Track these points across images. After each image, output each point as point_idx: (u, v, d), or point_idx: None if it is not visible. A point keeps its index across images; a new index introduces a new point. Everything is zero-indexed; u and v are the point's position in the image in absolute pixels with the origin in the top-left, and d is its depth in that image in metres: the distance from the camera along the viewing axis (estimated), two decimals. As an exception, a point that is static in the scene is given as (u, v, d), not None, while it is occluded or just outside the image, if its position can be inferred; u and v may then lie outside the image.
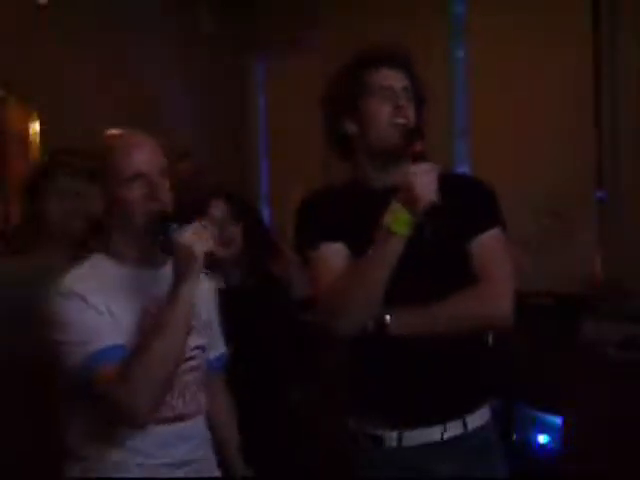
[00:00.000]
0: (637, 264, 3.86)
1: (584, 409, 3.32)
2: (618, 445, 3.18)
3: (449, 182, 1.99)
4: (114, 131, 2.04)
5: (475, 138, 4.65)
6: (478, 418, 2.08)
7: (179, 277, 1.84)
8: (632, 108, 3.94)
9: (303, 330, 2.91)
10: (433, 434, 2.04)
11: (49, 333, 1.88)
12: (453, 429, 2.05)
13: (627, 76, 3.95)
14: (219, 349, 2.22)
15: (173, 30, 5.48)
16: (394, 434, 2.05)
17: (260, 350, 2.48)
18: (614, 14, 3.98)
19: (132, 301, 1.92)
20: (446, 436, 2.04)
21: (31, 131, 4.91)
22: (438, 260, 2.02)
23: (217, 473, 2.13)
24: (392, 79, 2.07)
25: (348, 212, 2.04)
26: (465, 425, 2.06)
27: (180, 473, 1.97)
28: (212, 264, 1.86)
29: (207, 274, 2.03)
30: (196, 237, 1.83)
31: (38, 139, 4.90)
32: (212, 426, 2.15)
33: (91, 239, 2.47)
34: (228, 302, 2.26)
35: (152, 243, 1.91)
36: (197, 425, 2.03)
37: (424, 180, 1.88)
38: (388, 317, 1.97)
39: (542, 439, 3.73)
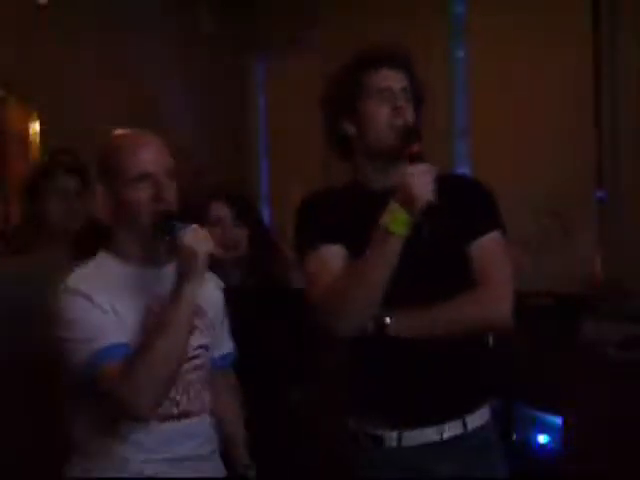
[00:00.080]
0: (637, 264, 3.86)
1: (584, 409, 3.32)
2: (618, 445, 3.18)
3: (447, 183, 2.00)
4: (120, 131, 2.05)
5: (475, 138, 4.64)
6: (478, 418, 2.08)
7: (182, 277, 1.86)
8: (632, 108, 3.93)
9: (303, 330, 2.91)
10: (433, 434, 2.04)
11: (54, 330, 1.91)
12: (453, 429, 2.05)
13: (627, 76, 3.94)
14: (224, 348, 2.22)
15: (173, 30, 5.48)
16: (394, 434, 2.05)
17: (260, 350, 2.48)
18: (614, 14, 3.98)
19: (136, 300, 1.95)
20: (446, 436, 2.04)
21: (31, 131, 4.91)
22: (436, 260, 2.02)
23: (222, 472, 2.14)
24: (391, 80, 2.07)
25: (348, 213, 2.05)
26: (465, 425, 2.06)
27: (184, 468, 1.98)
28: (212, 264, 1.88)
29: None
30: (199, 238, 1.85)
31: (38, 139, 4.90)
32: (219, 423, 2.18)
33: (91, 239, 2.48)
34: (228, 302, 2.26)
35: (157, 243, 1.93)
36: (202, 423, 2.05)
37: (421, 180, 1.89)
38: (388, 319, 1.98)
39: (542, 439, 3.73)
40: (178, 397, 1.98)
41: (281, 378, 2.77)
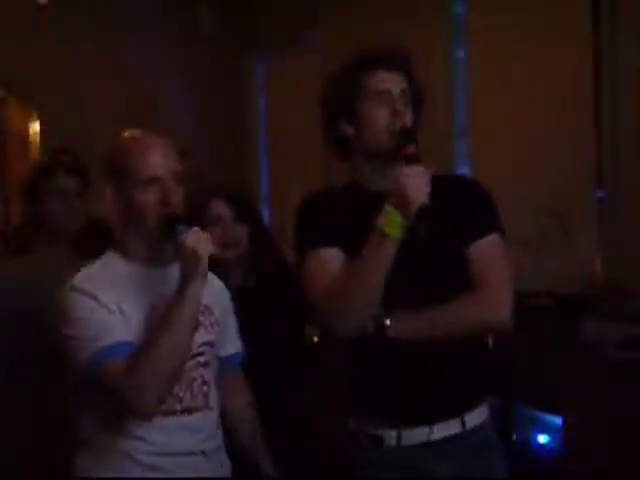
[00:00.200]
0: (637, 264, 3.86)
1: (584, 409, 3.32)
2: (618, 445, 3.17)
3: (446, 183, 2.00)
4: (129, 132, 2.07)
5: (475, 138, 4.65)
6: (477, 417, 2.09)
7: (185, 278, 1.90)
8: (632, 108, 3.93)
9: (303, 330, 2.91)
10: (431, 433, 2.04)
11: (59, 328, 1.94)
12: (451, 428, 2.05)
13: (627, 76, 3.94)
14: (231, 348, 2.24)
15: (173, 30, 5.49)
16: (393, 433, 2.06)
17: (260, 350, 2.48)
18: (614, 14, 3.97)
19: (142, 299, 1.98)
20: (444, 435, 2.05)
21: (31, 131, 4.92)
22: (432, 262, 2.02)
23: (227, 468, 2.16)
24: (389, 83, 2.06)
25: (346, 214, 2.05)
26: (463, 424, 2.06)
27: (187, 463, 2.01)
28: (212, 265, 1.90)
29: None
30: (200, 240, 1.89)
31: (38, 139, 4.91)
32: (234, 423, 2.24)
33: (91, 239, 2.48)
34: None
35: (163, 244, 1.97)
36: (205, 419, 2.06)
37: (416, 182, 1.89)
38: (387, 320, 1.98)
39: (542, 439, 3.72)
40: (181, 393, 2.00)
41: (281, 378, 2.76)
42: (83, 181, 2.86)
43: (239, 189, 3.49)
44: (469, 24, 4.65)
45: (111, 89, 4.96)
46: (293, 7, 5.44)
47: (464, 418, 2.06)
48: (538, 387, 3.59)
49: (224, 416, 2.18)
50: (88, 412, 2.00)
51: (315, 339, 3.00)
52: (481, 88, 4.55)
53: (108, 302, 1.92)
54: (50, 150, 4.21)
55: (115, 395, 1.88)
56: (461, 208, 2.06)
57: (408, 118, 2.06)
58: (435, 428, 2.04)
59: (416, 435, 2.05)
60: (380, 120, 2.04)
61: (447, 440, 2.05)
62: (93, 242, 2.29)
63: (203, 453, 2.05)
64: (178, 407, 2.00)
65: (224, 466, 2.15)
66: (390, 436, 2.06)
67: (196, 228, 1.91)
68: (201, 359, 2.06)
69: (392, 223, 1.89)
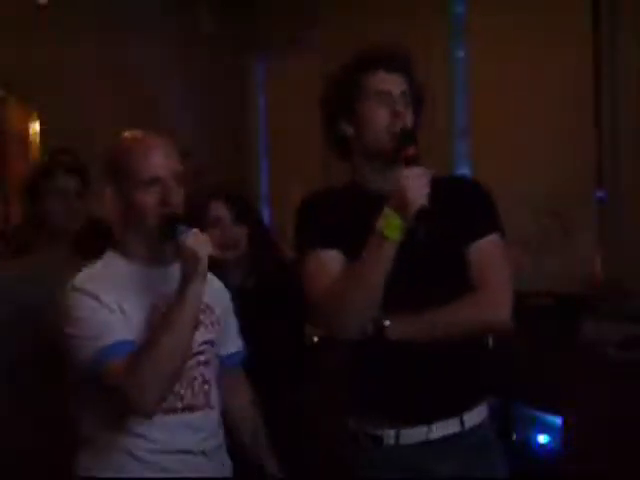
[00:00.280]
0: (637, 264, 3.86)
1: (584, 409, 3.32)
2: (618, 445, 3.17)
3: (446, 185, 2.00)
4: (130, 132, 2.08)
5: (475, 138, 4.65)
6: (475, 416, 2.09)
7: (186, 278, 1.91)
8: (632, 108, 3.93)
9: (303, 330, 2.91)
10: (430, 432, 2.04)
11: (61, 327, 1.95)
12: (450, 427, 2.05)
13: (627, 76, 3.94)
14: (232, 347, 2.25)
15: (173, 30, 5.49)
16: (392, 432, 2.06)
17: (260, 350, 2.48)
18: (614, 14, 3.97)
19: (143, 298, 1.99)
20: (443, 434, 2.05)
21: (31, 131, 4.92)
22: (432, 263, 2.02)
23: (228, 467, 2.16)
24: (390, 83, 2.06)
25: (346, 214, 2.05)
26: (462, 423, 2.06)
27: (188, 461, 2.02)
28: (211, 265, 1.92)
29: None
30: (200, 241, 1.90)
31: (38, 139, 4.91)
32: (235, 422, 2.25)
33: (91, 239, 2.49)
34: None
35: (163, 244, 1.98)
36: (207, 418, 2.07)
37: (416, 184, 1.89)
38: (387, 322, 1.98)
39: (542, 439, 3.72)
40: (182, 391, 2.01)
41: (281, 378, 2.77)
42: (83, 181, 2.86)
43: (239, 190, 3.50)
44: (469, 24, 4.65)
45: (111, 89, 4.96)
46: (293, 7, 5.44)
47: (463, 417, 2.06)
48: (538, 387, 3.59)
49: (225, 415, 2.18)
50: (89, 411, 2.01)
51: (315, 339, 3.00)
52: (481, 88, 4.55)
53: (109, 302, 1.94)
54: (50, 150, 4.21)
55: (116, 394, 1.88)
56: (461, 208, 2.06)
57: (408, 119, 2.06)
58: (434, 427, 2.04)
59: (415, 434, 2.05)
60: (380, 120, 2.04)
61: (446, 439, 2.05)
62: (93, 242, 2.30)
63: (204, 453, 2.05)
64: (179, 405, 2.01)
65: (225, 466, 2.15)
66: (389, 435, 2.06)
67: (196, 229, 1.92)
68: (202, 358, 2.07)
69: (391, 225, 1.90)
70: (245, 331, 2.31)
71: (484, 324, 2.05)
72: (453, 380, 2.05)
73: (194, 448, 2.03)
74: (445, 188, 1.98)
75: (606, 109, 4.01)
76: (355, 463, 2.14)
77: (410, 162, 1.95)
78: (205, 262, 1.89)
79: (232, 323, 2.25)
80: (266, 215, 5.65)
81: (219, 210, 2.79)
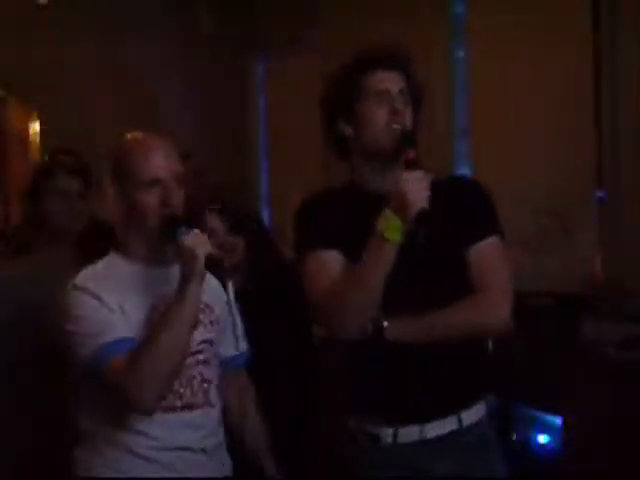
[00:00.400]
0: (637, 264, 3.86)
1: (584, 409, 3.32)
2: (618, 445, 3.17)
3: (446, 187, 2.00)
4: (132, 133, 2.09)
5: (475, 138, 4.64)
6: (473, 414, 2.09)
7: (185, 277, 1.92)
8: (632, 108, 3.93)
9: (303, 330, 2.91)
10: (427, 430, 2.05)
11: (61, 325, 1.97)
12: (448, 425, 2.06)
13: (627, 76, 3.94)
14: (233, 349, 2.25)
15: (173, 30, 5.48)
16: (390, 430, 2.06)
17: (260, 350, 2.48)
18: (614, 14, 3.97)
19: (143, 298, 2.01)
20: (441, 432, 2.05)
21: (31, 131, 4.91)
22: (432, 265, 2.03)
23: (228, 466, 2.17)
24: (389, 82, 2.07)
25: (346, 214, 2.06)
26: (460, 421, 2.07)
27: (188, 458, 2.03)
28: (210, 264, 1.93)
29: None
30: (199, 242, 1.92)
31: (38, 139, 4.91)
32: (236, 421, 2.27)
33: (93, 240, 2.49)
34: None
35: (163, 245, 2.01)
36: (206, 416, 2.08)
37: (416, 187, 1.90)
38: (386, 323, 1.99)
39: (542, 439, 3.72)
40: (181, 390, 2.03)
41: (281, 378, 2.77)
42: (86, 182, 2.86)
43: (237, 196, 3.49)
44: (469, 24, 4.65)
45: (111, 89, 4.96)
46: (293, 7, 5.44)
47: (460, 415, 2.07)
48: (538, 387, 3.59)
49: (227, 414, 2.19)
50: (89, 409, 2.02)
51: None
52: (481, 88, 4.54)
53: (110, 302, 1.95)
54: (50, 150, 4.20)
55: (116, 391, 1.90)
56: (461, 210, 2.06)
57: (407, 117, 2.06)
58: (431, 425, 2.05)
59: (412, 432, 2.05)
60: (379, 120, 2.05)
61: (443, 437, 2.06)
62: (96, 243, 2.30)
63: (203, 450, 2.06)
64: (178, 403, 2.02)
65: (225, 465, 2.16)
66: (387, 434, 2.07)
67: (196, 230, 1.94)
68: (200, 357, 2.08)
69: (391, 227, 1.90)
70: (246, 331, 2.31)
71: (484, 326, 2.05)
72: (451, 380, 2.05)
73: (194, 445, 2.04)
74: (445, 190, 1.98)
75: (606, 109, 4.01)
76: (355, 463, 2.15)
77: (410, 165, 1.95)
78: (202, 262, 1.90)
79: (235, 323, 2.25)
80: (266, 215, 5.65)
81: (213, 222, 2.81)
